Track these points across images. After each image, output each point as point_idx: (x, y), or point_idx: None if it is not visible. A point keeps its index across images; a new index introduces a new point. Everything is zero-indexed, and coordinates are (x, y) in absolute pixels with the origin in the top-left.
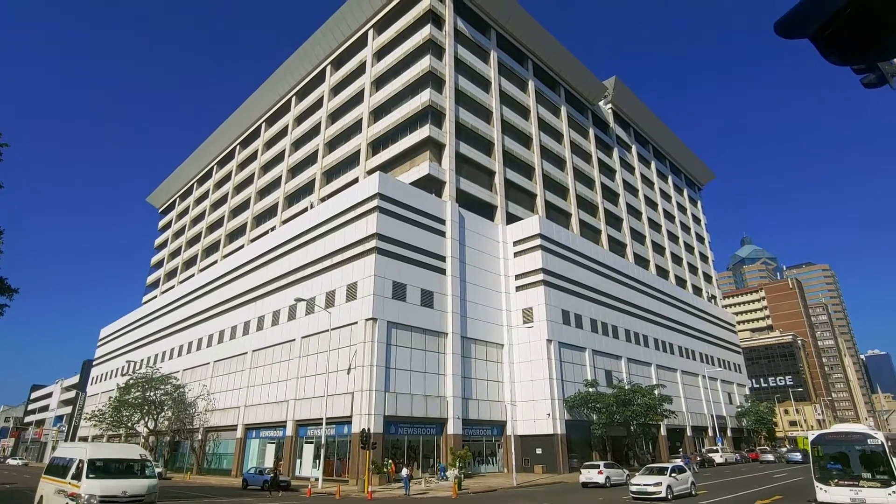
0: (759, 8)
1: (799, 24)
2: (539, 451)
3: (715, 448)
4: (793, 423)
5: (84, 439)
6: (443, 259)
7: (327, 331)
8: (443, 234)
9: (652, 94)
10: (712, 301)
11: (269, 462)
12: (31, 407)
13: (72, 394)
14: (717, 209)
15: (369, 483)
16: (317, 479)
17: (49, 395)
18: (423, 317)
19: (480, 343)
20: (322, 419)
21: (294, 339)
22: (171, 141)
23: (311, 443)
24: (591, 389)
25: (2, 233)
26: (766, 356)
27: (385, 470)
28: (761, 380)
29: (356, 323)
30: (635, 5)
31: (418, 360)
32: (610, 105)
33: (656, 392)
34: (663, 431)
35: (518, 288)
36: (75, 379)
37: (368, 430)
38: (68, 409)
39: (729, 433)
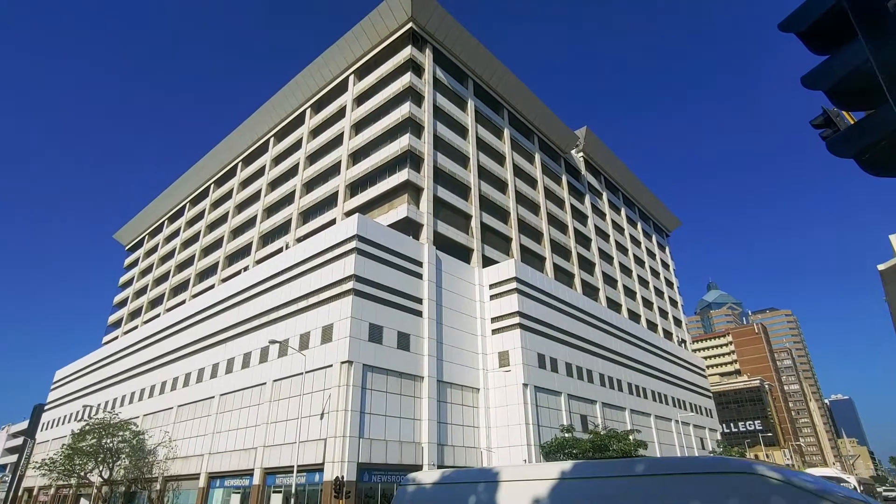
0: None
1: (847, 144)
2: None
3: None
4: None
5: (30, 490)
6: (420, 301)
7: (301, 374)
8: (420, 276)
9: (621, 144)
10: (682, 345)
11: None
12: None
13: (18, 441)
14: (683, 255)
15: None
16: None
17: None
18: (400, 360)
19: (456, 387)
20: (293, 466)
21: (265, 383)
22: (141, 178)
23: (280, 492)
24: (567, 435)
25: None
26: (736, 401)
27: None
28: (731, 424)
29: (331, 366)
30: (604, 59)
31: (393, 405)
32: (581, 154)
33: (631, 437)
34: None
35: (494, 331)
36: (24, 425)
37: (342, 478)
38: (13, 458)
39: None
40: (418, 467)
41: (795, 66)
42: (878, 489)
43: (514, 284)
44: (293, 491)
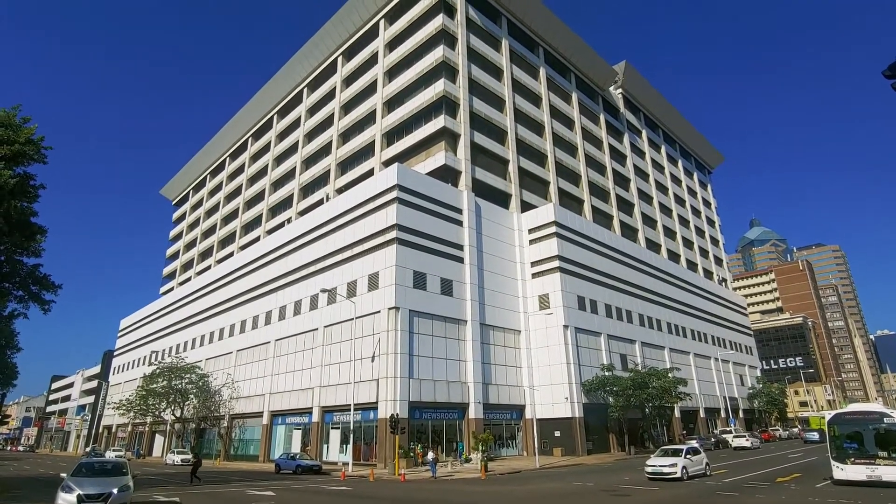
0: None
1: None
2: (557, 433)
3: (728, 429)
4: (803, 404)
5: (108, 428)
6: (461, 248)
7: (350, 320)
8: (460, 223)
9: (661, 78)
10: (723, 284)
11: (296, 447)
12: (52, 397)
13: (93, 384)
14: (725, 191)
15: (399, 467)
16: (346, 464)
17: (70, 386)
18: (443, 305)
19: (498, 330)
20: (349, 405)
21: (317, 329)
22: (183, 134)
23: (338, 428)
24: (608, 373)
25: (45, 232)
26: (777, 338)
27: (412, 454)
28: (772, 361)
29: (379, 312)
30: None
31: (439, 348)
32: (620, 90)
33: (671, 375)
34: (677, 414)
35: (534, 275)
36: (96, 369)
37: (397, 415)
38: (90, 399)
39: (741, 414)
40: (465, 405)
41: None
42: None
43: (552, 228)
44: (350, 427)
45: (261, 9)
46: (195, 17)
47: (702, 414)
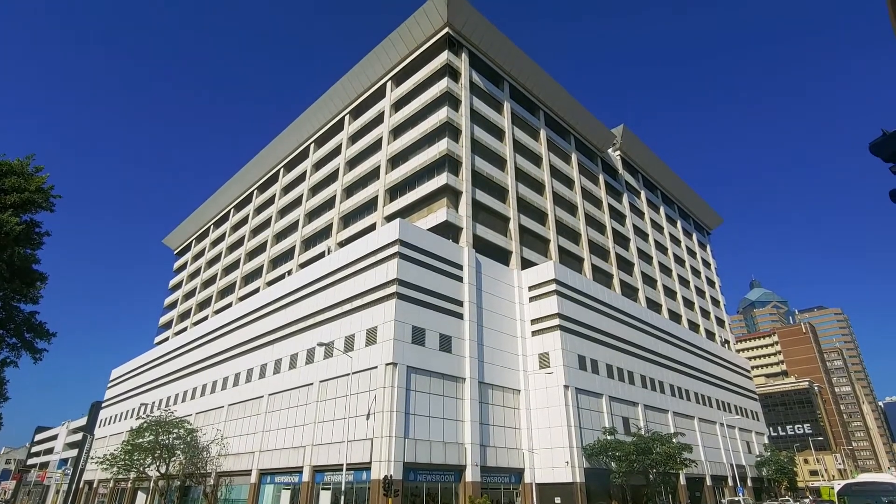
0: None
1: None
2: (558, 500)
3: (736, 499)
4: (813, 473)
5: (90, 483)
6: (460, 304)
7: (347, 375)
8: (460, 279)
9: (658, 140)
10: (726, 346)
11: None
12: (34, 449)
13: (78, 436)
14: (725, 252)
15: None
16: None
17: (54, 438)
18: (442, 362)
19: (497, 388)
20: (341, 465)
21: (312, 384)
22: (188, 186)
23: (329, 489)
24: (609, 437)
25: (46, 279)
26: (783, 403)
27: None
28: (779, 428)
29: (376, 367)
30: (639, 53)
31: (437, 406)
32: (618, 152)
33: (675, 440)
34: (683, 481)
35: (534, 333)
36: (82, 421)
37: (390, 476)
38: (74, 452)
39: (749, 483)
40: (462, 468)
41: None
42: None
43: (553, 286)
44: (342, 489)
45: (277, 61)
46: (211, 74)
47: (708, 482)
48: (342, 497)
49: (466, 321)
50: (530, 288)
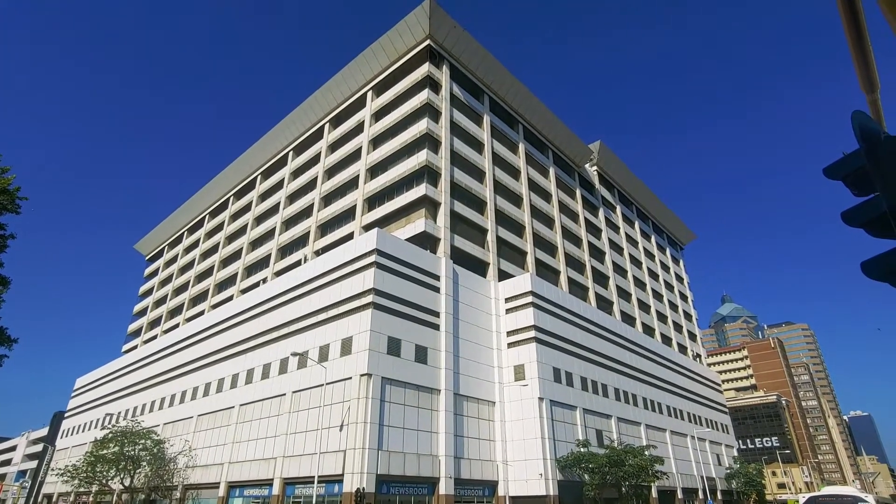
0: (732, 74)
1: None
2: None
3: None
4: (781, 486)
5: (49, 497)
6: (437, 315)
7: (321, 385)
8: (437, 289)
9: (635, 155)
10: (697, 360)
11: None
12: None
13: (38, 447)
14: (697, 267)
15: None
16: None
17: (13, 449)
18: (417, 373)
19: (473, 400)
20: (312, 477)
21: (285, 394)
22: (163, 192)
23: (299, 502)
24: (583, 449)
25: (9, 283)
26: (752, 416)
27: None
28: (748, 440)
29: (350, 378)
30: (617, 71)
31: (411, 418)
32: (595, 167)
33: (647, 453)
34: (654, 493)
35: (510, 344)
36: (43, 431)
37: (363, 489)
38: (33, 464)
39: (719, 495)
40: (435, 480)
41: (814, 82)
42: None
43: (529, 298)
44: (313, 501)
45: (257, 69)
46: (190, 72)
47: (679, 494)
48: None
49: (443, 332)
50: (507, 300)
